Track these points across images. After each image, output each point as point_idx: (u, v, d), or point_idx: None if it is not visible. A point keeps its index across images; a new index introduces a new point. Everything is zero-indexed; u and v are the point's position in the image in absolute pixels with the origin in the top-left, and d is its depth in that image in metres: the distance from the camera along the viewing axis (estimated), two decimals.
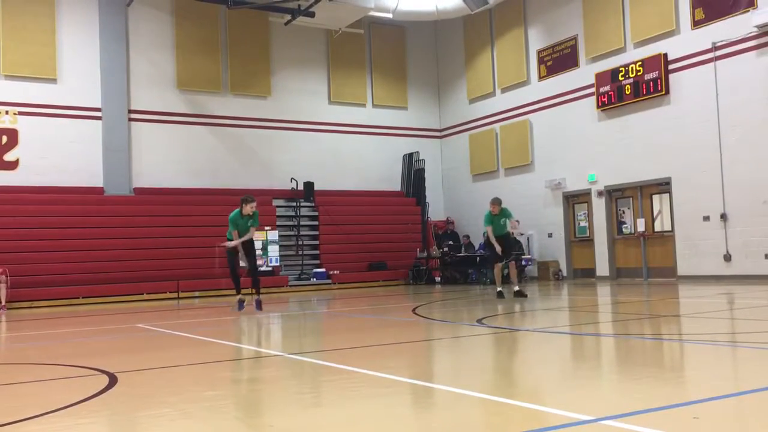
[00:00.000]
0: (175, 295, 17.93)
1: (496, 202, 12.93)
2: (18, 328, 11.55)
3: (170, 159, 20.09)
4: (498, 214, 12.86)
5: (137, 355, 7.28)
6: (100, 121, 19.20)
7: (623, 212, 18.52)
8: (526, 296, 12.72)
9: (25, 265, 16.89)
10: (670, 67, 16.86)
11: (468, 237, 22.05)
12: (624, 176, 18.10)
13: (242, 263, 11.22)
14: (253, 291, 11.43)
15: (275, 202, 20.97)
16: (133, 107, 19.72)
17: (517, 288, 12.89)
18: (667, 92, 16.88)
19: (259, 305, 11.20)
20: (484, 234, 13.35)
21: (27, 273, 16.82)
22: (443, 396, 4.56)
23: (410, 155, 23.35)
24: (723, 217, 15.73)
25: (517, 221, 20.10)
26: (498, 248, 12.58)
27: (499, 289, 12.92)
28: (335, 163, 22.32)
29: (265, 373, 5.94)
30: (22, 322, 12.60)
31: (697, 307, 10.52)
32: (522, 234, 20.62)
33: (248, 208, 10.86)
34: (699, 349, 6.28)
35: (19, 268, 16.69)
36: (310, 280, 20.07)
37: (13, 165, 18.14)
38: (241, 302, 10.98)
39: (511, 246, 13.48)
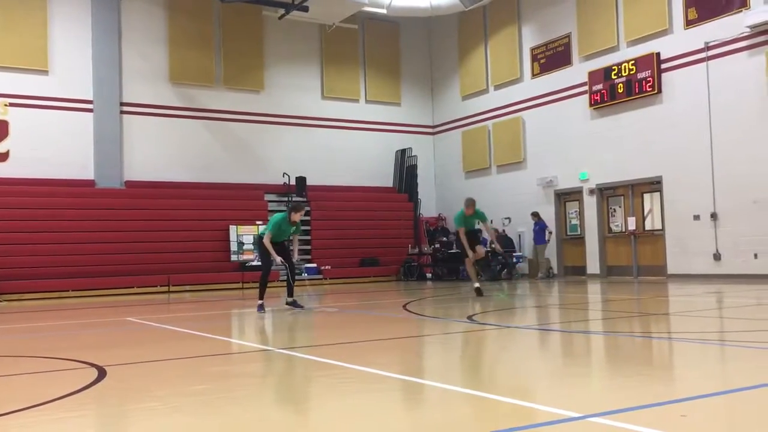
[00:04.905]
0: (165, 289, 17.88)
1: (471, 203, 12.44)
2: (7, 320, 11.50)
3: (162, 152, 20.02)
4: (471, 216, 12.48)
5: (127, 348, 7.26)
6: (91, 114, 19.11)
7: (614, 210, 18.58)
8: (482, 294, 12.40)
9: (14, 258, 16.82)
10: (663, 66, 16.90)
11: (455, 234, 22.06)
12: (615, 175, 18.15)
13: (276, 260, 10.68)
14: (288, 293, 10.98)
15: (267, 197, 20.95)
16: (124, 100, 19.63)
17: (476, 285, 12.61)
18: (660, 91, 16.93)
19: (296, 304, 10.86)
20: (455, 233, 13.03)
21: (16, 265, 16.76)
22: (433, 392, 4.56)
23: (403, 151, 23.36)
24: (713, 216, 15.81)
25: (496, 229, 20.07)
26: (467, 245, 12.21)
27: (476, 285, 12.55)
28: (328, 159, 22.28)
29: (255, 368, 5.93)
30: (11, 314, 12.55)
31: (687, 305, 10.57)
32: (504, 229, 20.68)
33: (297, 216, 10.54)
34: (687, 348, 6.31)
35: (8, 261, 16.63)
36: (301, 275, 20.02)
37: (3, 157, 18.03)
38: (261, 306, 10.61)
39: (479, 240, 13.11)
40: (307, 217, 21.12)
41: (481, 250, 12.63)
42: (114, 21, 19.52)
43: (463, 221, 12.49)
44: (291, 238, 10.96)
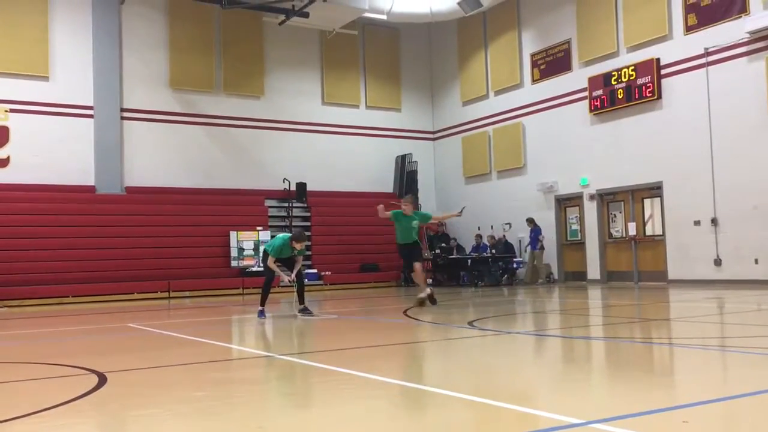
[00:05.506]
0: (166, 294, 17.87)
1: (409, 201, 11.35)
2: (7, 326, 11.49)
3: (162, 158, 20.03)
4: (409, 216, 11.32)
5: (127, 354, 7.25)
6: (92, 120, 19.12)
7: (614, 216, 18.58)
8: (436, 303, 11.76)
9: (15, 264, 16.81)
10: (663, 72, 16.92)
11: (456, 240, 22.06)
12: (616, 180, 18.15)
13: (284, 280, 10.80)
14: (299, 301, 10.93)
15: (267, 203, 20.96)
16: (125, 106, 19.65)
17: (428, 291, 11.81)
18: (659, 97, 16.95)
19: (307, 311, 10.84)
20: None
21: (17, 271, 16.75)
22: (433, 398, 4.55)
23: (403, 157, 23.36)
24: (714, 221, 15.80)
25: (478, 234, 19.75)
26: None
27: (428, 293, 11.72)
28: (328, 164, 22.29)
29: (256, 374, 5.92)
30: (11, 320, 12.53)
31: (687, 311, 10.56)
32: (504, 235, 20.67)
33: (298, 246, 10.65)
34: (689, 354, 6.30)
35: (8, 267, 16.62)
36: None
37: (4, 162, 18.04)
38: (262, 312, 10.69)
39: (415, 255, 11.65)
40: (308, 223, 21.16)
41: (418, 267, 11.56)
42: (114, 27, 19.55)
43: (397, 219, 11.32)
44: (294, 257, 10.92)
